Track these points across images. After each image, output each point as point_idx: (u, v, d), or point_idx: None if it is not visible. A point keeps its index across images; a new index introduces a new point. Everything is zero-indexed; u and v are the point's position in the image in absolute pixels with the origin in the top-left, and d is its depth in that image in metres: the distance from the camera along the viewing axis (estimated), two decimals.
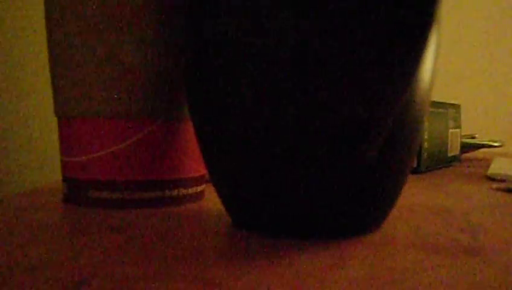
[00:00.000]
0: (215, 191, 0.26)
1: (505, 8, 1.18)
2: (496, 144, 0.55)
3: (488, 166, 0.50)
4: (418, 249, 0.16)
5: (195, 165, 0.24)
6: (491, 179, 0.38)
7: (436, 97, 1.20)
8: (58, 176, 0.50)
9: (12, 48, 0.42)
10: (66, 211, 0.21)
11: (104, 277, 0.12)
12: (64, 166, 0.23)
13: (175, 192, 0.23)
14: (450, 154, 0.47)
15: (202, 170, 0.25)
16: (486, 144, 0.55)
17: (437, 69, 1.22)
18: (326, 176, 0.16)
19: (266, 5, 0.15)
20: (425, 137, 0.40)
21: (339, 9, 0.14)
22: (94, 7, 0.21)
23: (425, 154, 0.41)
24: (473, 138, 0.63)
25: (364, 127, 0.15)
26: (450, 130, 0.47)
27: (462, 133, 1.18)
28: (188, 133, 0.23)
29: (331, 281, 0.12)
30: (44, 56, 0.47)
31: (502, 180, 0.37)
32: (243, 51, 0.15)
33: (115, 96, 0.21)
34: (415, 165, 0.40)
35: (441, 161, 0.45)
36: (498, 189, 0.31)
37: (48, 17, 0.23)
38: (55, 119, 0.49)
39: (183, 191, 0.24)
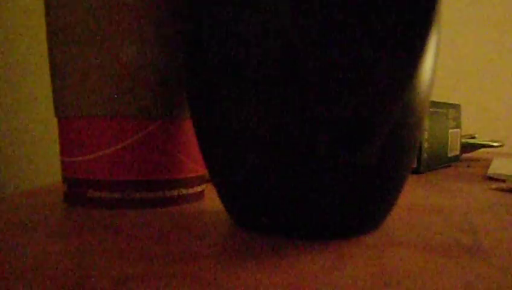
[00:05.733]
0: (215, 191, 0.26)
1: (505, 8, 1.18)
2: (495, 144, 0.55)
3: (488, 166, 0.50)
4: (418, 249, 0.16)
5: (195, 165, 0.24)
6: (491, 179, 0.38)
7: (436, 97, 1.20)
8: (58, 176, 0.50)
9: (13, 48, 0.42)
10: (66, 211, 0.21)
11: (103, 277, 0.12)
12: (64, 166, 0.23)
13: (175, 192, 0.23)
14: (450, 154, 0.47)
15: (202, 170, 0.25)
16: (486, 144, 0.55)
17: (437, 69, 1.22)
18: (326, 176, 0.16)
19: (266, 5, 0.15)
20: (425, 137, 0.40)
21: (338, 10, 0.14)
22: (94, 8, 0.21)
23: (425, 154, 0.41)
24: (473, 138, 0.63)
25: (364, 127, 0.15)
26: (450, 130, 0.47)
27: (462, 133, 1.18)
28: (188, 133, 0.23)
29: (331, 281, 0.12)
30: (44, 56, 0.47)
31: (502, 180, 0.37)
32: (242, 50, 0.15)
33: (115, 96, 0.21)
34: (415, 165, 0.40)
35: (441, 161, 0.45)
36: (498, 189, 0.31)
37: (48, 18, 0.23)
38: (55, 119, 0.49)
39: (183, 191, 0.24)
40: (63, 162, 0.23)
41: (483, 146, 0.55)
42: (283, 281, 0.12)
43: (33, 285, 0.12)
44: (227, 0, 0.16)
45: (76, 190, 0.23)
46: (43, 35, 0.47)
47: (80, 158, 0.22)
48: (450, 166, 0.49)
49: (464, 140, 0.56)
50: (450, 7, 1.20)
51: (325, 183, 0.16)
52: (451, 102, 1.21)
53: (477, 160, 0.58)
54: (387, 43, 0.14)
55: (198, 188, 0.25)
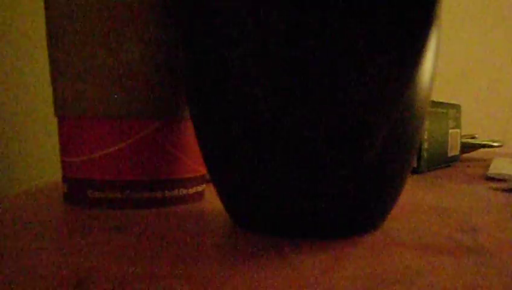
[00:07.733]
0: (215, 191, 0.26)
1: (505, 8, 1.18)
2: (495, 144, 0.55)
3: (488, 166, 0.50)
4: (418, 249, 0.16)
5: (195, 165, 0.24)
6: (491, 179, 0.38)
7: (436, 97, 1.20)
8: (58, 176, 0.50)
9: (12, 47, 0.42)
10: (66, 211, 0.21)
11: (103, 277, 0.12)
12: (64, 166, 0.23)
13: (175, 192, 0.23)
14: (450, 154, 0.47)
15: (202, 170, 0.25)
16: (486, 144, 0.55)
17: (437, 69, 1.22)
18: (326, 176, 0.16)
19: (266, 7, 0.15)
20: (425, 137, 0.40)
21: (338, 10, 0.14)
22: (94, 8, 0.21)
23: (425, 154, 0.41)
24: (473, 138, 0.63)
25: (364, 127, 0.15)
26: (450, 130, 0.47)
27: (462, 133, 1.18)
28: (188, 133, 0.23)
29: (330, 282, 0.12)
30: (44, 56, 0.47)
31: (502, 180, 0.37)
32: (243, 51, 0.15)
33: (115, 96, 0.21)
34: (415, 165, 0.40)
35: (441, 161, 0.45)
36: (498, 189, 0.31)
37: (48, 18, 0.23)
38: (55, 119, 0.49)
39: (183, 191, 0.24)
40: (63, 162, 0.23)
41: (483, 146, 0.55)
42: (283, 281, 0.12)
43: (33, 285, 0.12)
44: (227, 2, 0.16)
45: (77, 190, 0.23)
46: (43, 35, 0.47)
47: (80, 158, 0.22)
48: (450, 166, 0.49)
49: (463, 140, 0.56)
50: (450, 7, 1.20)
51: (325, 183, 0.16)
52: (451, 102, 1.21)
53: (477, 160, 0.59)
54: (387, 43, 0.14)
55: (198, 188, 0.25)
